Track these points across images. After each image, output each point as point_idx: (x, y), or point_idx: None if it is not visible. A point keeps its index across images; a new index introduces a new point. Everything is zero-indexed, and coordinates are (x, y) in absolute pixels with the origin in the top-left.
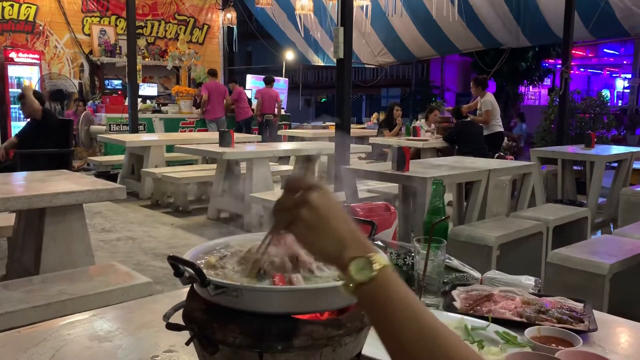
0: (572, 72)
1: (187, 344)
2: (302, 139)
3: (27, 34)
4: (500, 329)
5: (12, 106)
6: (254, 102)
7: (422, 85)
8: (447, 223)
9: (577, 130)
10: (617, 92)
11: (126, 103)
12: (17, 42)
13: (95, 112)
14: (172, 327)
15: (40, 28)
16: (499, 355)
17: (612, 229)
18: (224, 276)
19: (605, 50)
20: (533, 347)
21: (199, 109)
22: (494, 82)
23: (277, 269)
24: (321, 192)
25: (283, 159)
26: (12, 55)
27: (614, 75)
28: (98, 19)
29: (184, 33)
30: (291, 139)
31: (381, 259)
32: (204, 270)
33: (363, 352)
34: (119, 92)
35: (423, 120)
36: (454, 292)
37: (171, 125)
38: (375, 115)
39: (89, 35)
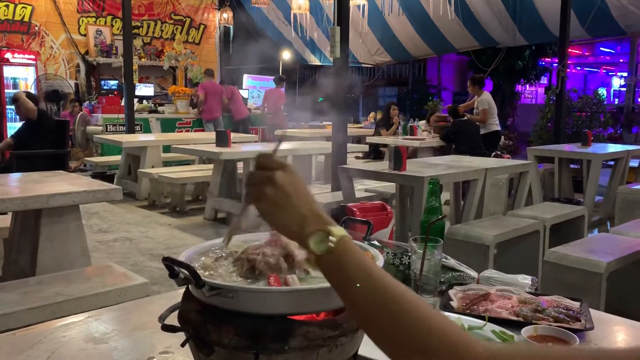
0: (568, 70)
1: (183, 345)
2: (299, 138)
3: (22, 34)
4: (497, 328)
5: (7, 107)
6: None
7: (419, 84)
8: (443, 222)
9: (574, 129)
10: (614, 90)
11: (122, 103)
12: (13, 43)
13: (92, 113)
14: (167, 328)
15: (36, 28)
16: None
17: (609, 227)
18: (219, 277)
19: (601, 48)
20: None
21: (196, 109)
22: (490, 80)
23: (273, 269)
24: (285, 170)
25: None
26: (8, 55)
27: (610, 73)
28: (94, 19)
29: (180, 33)
30: (288, 138)
31: (338, 231)
32: (199, 272)
33: (359, 352)
34: (115, 93)
35: (424, 122)
36: (451, 292)
37: (168, 126)
38: (372, 114)
39: (84, 35)
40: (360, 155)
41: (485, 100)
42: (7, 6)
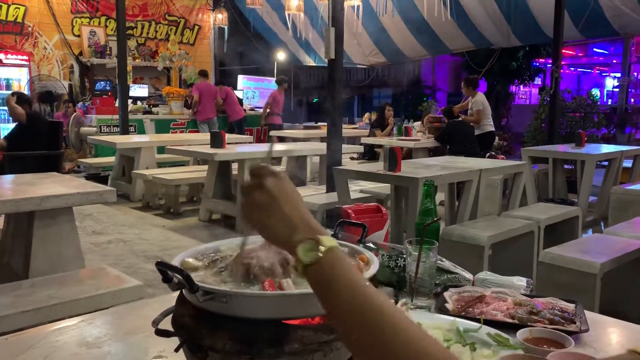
0: (562, 71)
1: (177, 350)
2: (294, 139)
3: (15, 35)
4: (493, 331)
5: (0, 108)
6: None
7: (414, 85)
8: (438, 224)
9: (568, 129)
10: (607, 90)
11: (117, 104)
12: (6, 44)
13: (86, 114)
14: (161, 333)
15: (29, 29)
16: (491, 357)
17: (602, 228)
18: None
19: (595, 49)
20: (525, 349)
21: (190, 110)
22: (485, 81)
23: (267, 273)
24: (276, 177)
25: (275, 159)
26: (1, 56)
27: (603, 74)
28: (88, 19)
29: (175, 34)
30: (282, 139)
31: (328, 241)
32: (192, 275)
33: None
34: (109, 94)
35: (419, 123)
36: (446, 294)
37: (162, 127)
38: (367, 115)
39: (78, 36)
40: (355, 156)
41: (479, 101)
42: None
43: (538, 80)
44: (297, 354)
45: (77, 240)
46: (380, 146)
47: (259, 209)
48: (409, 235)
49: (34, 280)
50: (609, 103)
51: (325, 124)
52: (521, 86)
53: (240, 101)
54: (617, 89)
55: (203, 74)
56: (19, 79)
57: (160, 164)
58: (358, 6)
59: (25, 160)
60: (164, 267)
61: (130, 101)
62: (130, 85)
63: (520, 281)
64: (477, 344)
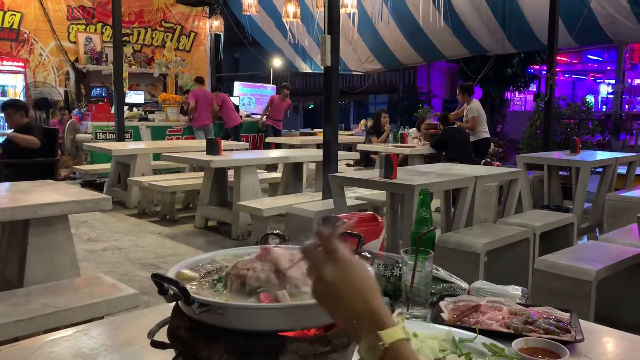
0: (557, 78)
1: None
2: (290, 146)
3: (11, 41)
4: (488, 340)
5: None
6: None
7: (409, 91)
8: (434, 234)
9: (563, 136)
10: (601, 97)
11: (112, 111)
12: (2, 50)
13: (81, 120)
14: (156, 344)
15: (25, 35)
16: None
17: (597, 234)
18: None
19: (589, 56)
20: (520, 359)
21: (186, 117)
22: (480, 88)
23: (263, 284)
24: (336, 262)
25: (271, 166)
26: None
27: (598, 81)
28: (84, 26)
29: (171, 40)
30: (279, 146)
31: (391, 334)
32: (188, 286)
33: None
34: (105, 100)
35: (414, 130)
36: (442, 303)
37: (158, 133)
38: (363, 121)
39: (74, 42)
40: (351, 162)
41: (474, 107)
42: None
43: (533, 87)
44: None
45: (72, 248)
46: (376, 153)
47: (322, 300)
48: (404, 243)
49: (28, 289)
50: (604, 110)
51: (321, 130)
52: (516, 93)
53: (237, 108)
54: (611, 96)
55: (199, 80)
56: (15, 85)
57: (156, 171)
58: (354, 13)
59: (20, 167)
60: (159, 279)
61: (126, 108)
62: (126, 91)
63: (516, 290)
64: (473, 354)
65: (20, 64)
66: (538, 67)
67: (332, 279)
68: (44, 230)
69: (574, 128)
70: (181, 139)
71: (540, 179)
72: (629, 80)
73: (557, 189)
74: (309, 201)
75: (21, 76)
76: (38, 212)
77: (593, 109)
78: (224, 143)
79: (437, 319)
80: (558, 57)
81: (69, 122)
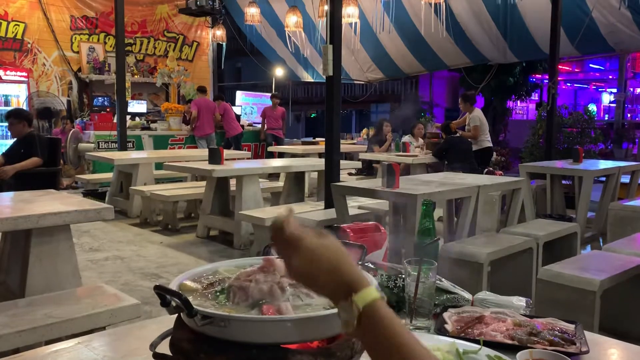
0: (558, 87)
1: None
2: (292, 155)
3: (15, 51)
4: (492, 352)
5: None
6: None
7: (411, 100)
8: (437, 244)
9: (565, 145)
10: (604, 106)
11: (115, 120)
12: (5, 60)
13: (84, 130)
14: (159, 357)
15: (29, 46)
16: None
17: (601, 243)
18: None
19: (591, 65)
20: None
21: (189, 126)
22: (482, 97)
23: (265, 296)
24: (300, 255)
25: (273, 175)
26: (0, 73)
27: (600, 89)
28: (87, 36)
29: (174, 50)
30: (281, 155)
31: (364, 298)
32: (190, 298)
33: None
34: (108, 110)
35: (409, 136)
36: (445, 315)
37: (160, 142)
38: (365, 130)
39: (77, 52)
40: (353, 171)
41: (476, 116)
42: None
43: (535, 96)
44: None
45: (74, 258)
46: (378, 162)
47: (297, 279)
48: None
49: (30, 299)
50: (606, 118)
51: (324, 139)
52: (518, 102)
53: (238, 117)
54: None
55: (201, 90)
56: (18, 95)
57: (158, 180)
58: (356, 23)
59: (23, 177)
60: (162, 291)
61: (128, 117)
62: (129, 101)
63: (520, 301)
64: None
65: (24, 73)
66: (540, 76)
67: (302, 270)
68: (46, 240)
69: (577, 137)
70: (183, 148)
71: (543, 188)
72: (631, 89)
73: (559, 198)
74: (311, 210)
75: (24, 86)
76: (40, 222)
77: (595, 118)
78: (226, 152)
79: (441, 331)
80: (560, 66)
81: (71, 131)
